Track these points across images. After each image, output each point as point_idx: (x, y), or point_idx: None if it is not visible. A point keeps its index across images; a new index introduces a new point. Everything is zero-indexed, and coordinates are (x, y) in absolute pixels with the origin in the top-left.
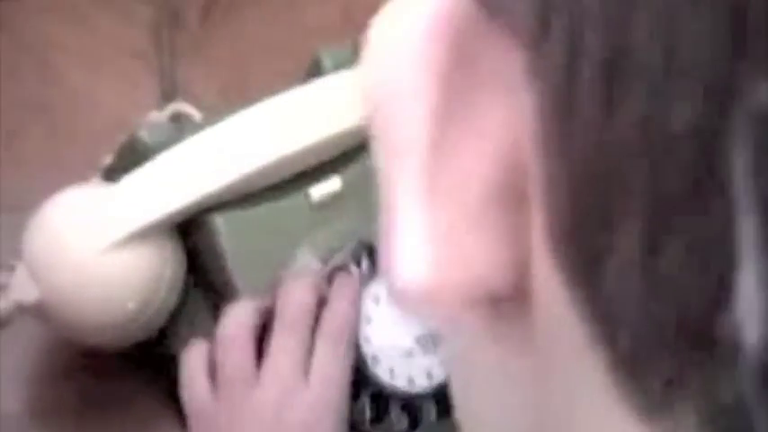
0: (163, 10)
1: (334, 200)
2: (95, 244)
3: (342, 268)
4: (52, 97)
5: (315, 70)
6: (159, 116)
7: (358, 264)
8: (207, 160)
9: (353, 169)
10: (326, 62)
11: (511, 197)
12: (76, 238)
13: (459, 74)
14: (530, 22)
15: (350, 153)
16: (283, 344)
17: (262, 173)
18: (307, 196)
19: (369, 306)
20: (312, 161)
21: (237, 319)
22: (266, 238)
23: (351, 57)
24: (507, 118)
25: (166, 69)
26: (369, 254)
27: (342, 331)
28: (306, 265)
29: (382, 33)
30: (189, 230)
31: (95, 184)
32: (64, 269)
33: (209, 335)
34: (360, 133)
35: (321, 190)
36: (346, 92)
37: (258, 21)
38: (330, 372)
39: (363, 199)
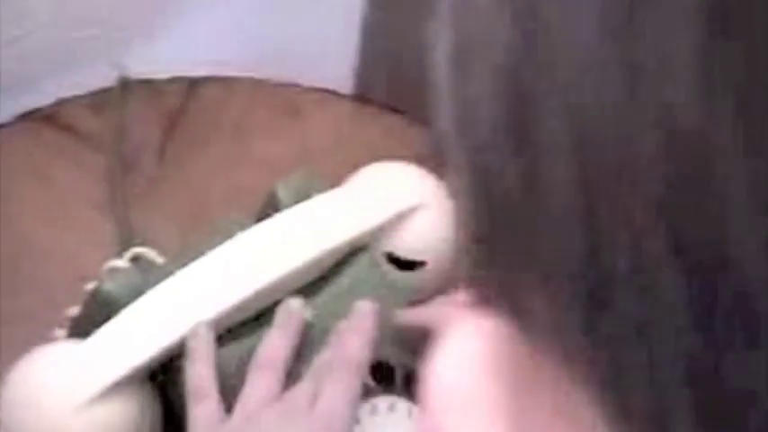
0: (115, 157)
1: (304, 330)
2: (72, 401)
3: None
4: (12, 251)
5: (272, 203)
6: (119, 263)
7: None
8: (174, 307)
9: (319, 299)
10: (283, 195)
11: None
12: (53, 397)
13: (521, 405)
14: (580, 359)
15: (314, 283)
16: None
17: (229, 313)
18: None
19: (364, 410)
20: (279, 296)
21: (275, 344)
22: (240, 376)
23: (307, 188)
24: None
25: (122, 216)
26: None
27: (350, 365)
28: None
29: (437, 380)
30: (164, 376)
31: (62, 336)
32: (42, 429)
33: None
34: (322, 263)
35: None
36: (306, 224)
37: (213, 159)
38: (334, 404)
39: (333, 327)
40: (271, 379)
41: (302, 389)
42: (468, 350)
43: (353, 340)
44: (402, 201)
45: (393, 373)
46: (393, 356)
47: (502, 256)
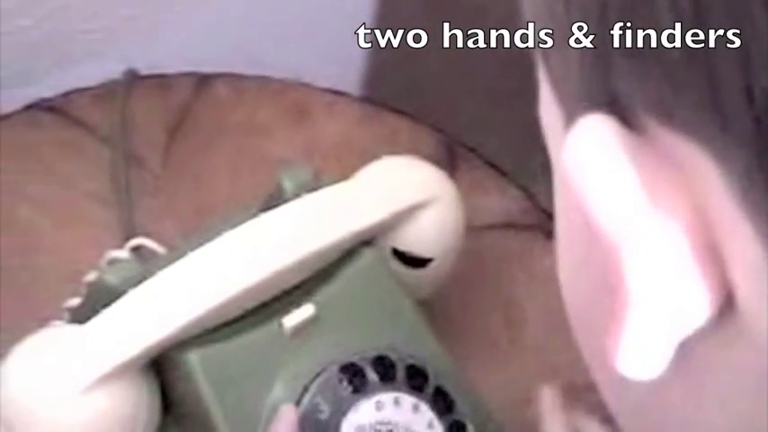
0: (120, 150)
1: (308, 326)
2: (67, 388)
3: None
4: (15, 243)
5: (276, 194)
6: (120, 254)
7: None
8: (175, 295)
9: (324, 292)
10: (287, 184)
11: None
12: (48, 383)
13: (647, 163)
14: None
15: (318, 276)
16: None
17: (231, 304)
18: (281, 325)
19: (368, 406)
20: (281, 288)
21: None
22: (243, 370)
23: (311, 180)
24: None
25: (125, 207)
26: (351, 374)
27: None
28: (282, 397)
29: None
30: (164, 367)
31: (62, 325)
32: (37, 416)
33: None
34: (327, 255)
35: (294, 318)
36: (310, 216)
37: (219, 158)
38: None
39: (338, 321)
40: None
41: None
42: (598, 133)
43: None
44: (411, 196)
45: (395, 368)
46: (394, 351)
47: None
